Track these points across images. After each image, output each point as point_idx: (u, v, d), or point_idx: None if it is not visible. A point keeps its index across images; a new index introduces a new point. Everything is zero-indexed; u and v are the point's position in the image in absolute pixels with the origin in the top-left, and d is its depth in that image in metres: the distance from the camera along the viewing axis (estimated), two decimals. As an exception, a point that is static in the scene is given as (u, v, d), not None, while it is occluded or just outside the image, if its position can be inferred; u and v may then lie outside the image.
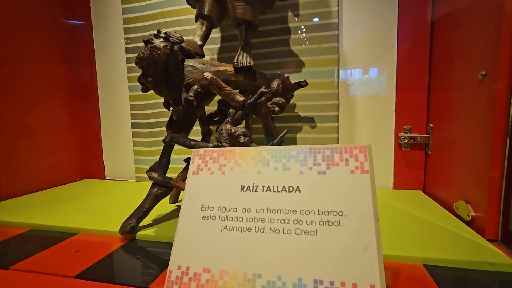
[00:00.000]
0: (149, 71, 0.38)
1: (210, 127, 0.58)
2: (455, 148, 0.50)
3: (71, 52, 0.79)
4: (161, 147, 0.74)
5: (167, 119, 0.73)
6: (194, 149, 0.34)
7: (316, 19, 0.61)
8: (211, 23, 0.55)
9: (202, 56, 0.54)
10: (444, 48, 0.54)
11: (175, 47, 0.40)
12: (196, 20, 0.56)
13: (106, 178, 0.83)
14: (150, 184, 0.71)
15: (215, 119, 0.58)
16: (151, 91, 0.46)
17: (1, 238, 0.43)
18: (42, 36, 0.72)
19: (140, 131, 0.76)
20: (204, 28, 0.55)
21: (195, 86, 0.46)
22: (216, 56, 0.68)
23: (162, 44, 0.37)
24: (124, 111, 0.77)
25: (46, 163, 0.73)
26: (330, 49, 0.61)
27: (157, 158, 0.74)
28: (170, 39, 0.38)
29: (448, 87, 0.53)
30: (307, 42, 0.62)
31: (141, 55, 0.37)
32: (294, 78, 0.62)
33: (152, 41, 0.37)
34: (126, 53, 0.75)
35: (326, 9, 0.60)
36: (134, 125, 0.77)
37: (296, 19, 0.62)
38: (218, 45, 0.68)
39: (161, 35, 0.38)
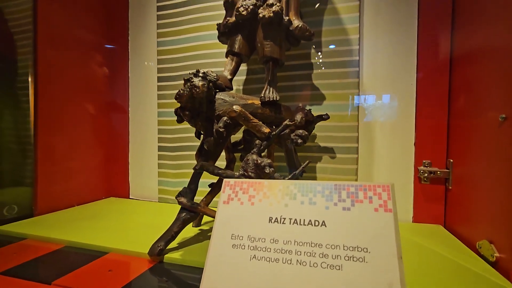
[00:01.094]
0: (187, 106, 0.42)
1: (235, 155, 0.61)
2: (477, 185, 0.50)
3: (108, 75, 0.86)
4: (185, 171, 0.79)
5: (192, 144, 0.77)
6: (225, 180, 0.37)
7: (334, 55, 0.65)
8: (241, 59, 0.60)
9: (231, 89, 0.58)
10: (464, 83, 0.56)
11: (211, 84, 0.44)
12: (226, 56, 0.61)
13: (130, 197, 0.86)
14: (171, 205, 0.74)
15: (240, 147, 0.61)
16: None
17: (40, 253, 0.46)
18: (80, 57, 0.79)
19: (166, 154, 0.80)
20: (234, 63, 0.59)
21: (225, 118, 0.49)
22: (241, 87, 0.73)
23: (200, 83, 0.41)
24: (152, 134, 0.82)
25: (76, 181, 0.78)
26: (351, 84, 0.64)
27: (180, 180, 0.78)
28: (207, 77, 0.42)
29: (468, 124, 0.54)
30: (329, 77, 0.65)
31: (181, 91, 0.41)
32: (315, 111, 0.65)
33: (192, 80, 0.41)
34: (158, 81, 0.81)
35: (347, 47, 0.64)
36: (160, 148, 0.81)
37: (319, 55, 0.66)
38: (244, 77, 0.73)
39: (200, 74, 0.42)
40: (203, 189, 0.59)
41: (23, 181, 0.68)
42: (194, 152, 0.54)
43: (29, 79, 0.67)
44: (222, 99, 0.51)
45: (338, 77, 0.65)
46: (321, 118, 0.58)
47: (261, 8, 0.53)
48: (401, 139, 0.64)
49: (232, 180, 0.37)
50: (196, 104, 0.43)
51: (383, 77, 0.64)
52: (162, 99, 0.80)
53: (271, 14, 0.51)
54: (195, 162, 0.51)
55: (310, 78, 0.67)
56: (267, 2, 0.53)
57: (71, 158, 0.76)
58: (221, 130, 0.46)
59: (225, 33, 0.61)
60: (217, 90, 0.52)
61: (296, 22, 0.53)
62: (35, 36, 0.68)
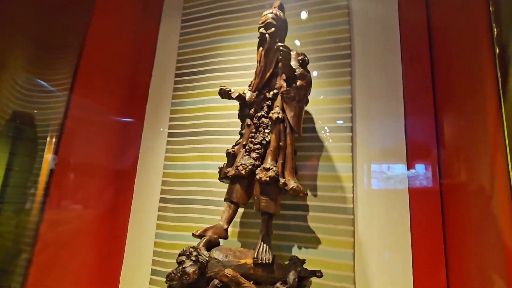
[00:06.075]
0: (177, 286, 0.43)
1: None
2: None
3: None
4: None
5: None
6: None
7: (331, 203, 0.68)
8: (238, 206, 0.63)
9: (226, 238, 0.60)
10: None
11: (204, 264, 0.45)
12: (225, 200, 0.64)
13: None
14: None
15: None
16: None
17: None
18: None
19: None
20: (231, 211, 0.62)
21: (216, 282, 0.49)
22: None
23: (191, 270, 0.42)
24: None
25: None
26: (345, 231, 0.65)
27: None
28: (199, 260, 0.44)
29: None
30: (324, 221, 0.67)
31: (172, 275, 0.42)
32: (310, 255, 0.65)
33: (183, 264, 0.43)
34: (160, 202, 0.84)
35: (341, 194, 0.67)
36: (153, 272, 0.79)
37: (314, 198, 0.69)
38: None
39: (192, 257, 0.43)
40: None
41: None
42: None
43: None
44: (216, 258, 0.52)
45: (333, 223, 0.66)
46: (314, 274, 0.58)
47: (259, 169, 0.58)
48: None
49: None
50: (186, 284, 0.44)
51: (379, 228, 0.65)
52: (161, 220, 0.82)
53: (267, 179, 0.56)
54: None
55: (305, 219, 0.68)
56: (264, 166, 0.57)
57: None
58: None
59: (225, 178, 0.65)
60: (212, 246, 0.53)
61: (291, 184, 0.57)
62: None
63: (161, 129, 0.89)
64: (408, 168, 0.65)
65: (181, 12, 0.97)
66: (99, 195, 0.87)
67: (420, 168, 0.65)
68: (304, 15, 0.82)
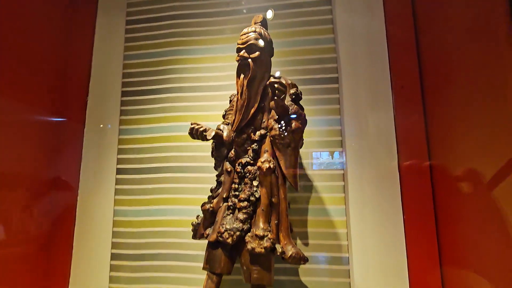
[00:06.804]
0: None
1: None
2: None
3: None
4: None
5: None
6: None
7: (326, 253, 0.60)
8: (221, 277, 0.50)
9: (211, 322, 0.47)
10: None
11: None
12: (203, 269, 0.51)
13: None
14: None
15: None
16: None
17: None
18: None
19: None
20: (213, 285, 0.49)
21: None
22: None
23: None
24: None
25: None
26: (341, 284, 0.58)
27: None
28: None
29: None
30: (318, 274, 0.59)
31: None
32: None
33: None
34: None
35: (336, 242, 0.60)
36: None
37: (306, 247, 0.60)
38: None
39: None
40: None
41: None
42: None
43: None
44: None
45: (329, 275, 0.59)
46: None
47: (249, 235, 0.46)
48: None
49: None
50: None
51: (375, 276, 0.59)
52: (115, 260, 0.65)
53: (262, 250, 0.44)
54: None
55: (297, 273, 0.60)
56: (257, 232, 0.46)
57: None
58: None
59: (202, 237, 0.52)
60: None
61: (289, 251, 0.46)
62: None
63: (107, 170, 0.70)
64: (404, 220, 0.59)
65: (125, 10, 0.76)
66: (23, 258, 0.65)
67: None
68: (270, 14, 0.70)
